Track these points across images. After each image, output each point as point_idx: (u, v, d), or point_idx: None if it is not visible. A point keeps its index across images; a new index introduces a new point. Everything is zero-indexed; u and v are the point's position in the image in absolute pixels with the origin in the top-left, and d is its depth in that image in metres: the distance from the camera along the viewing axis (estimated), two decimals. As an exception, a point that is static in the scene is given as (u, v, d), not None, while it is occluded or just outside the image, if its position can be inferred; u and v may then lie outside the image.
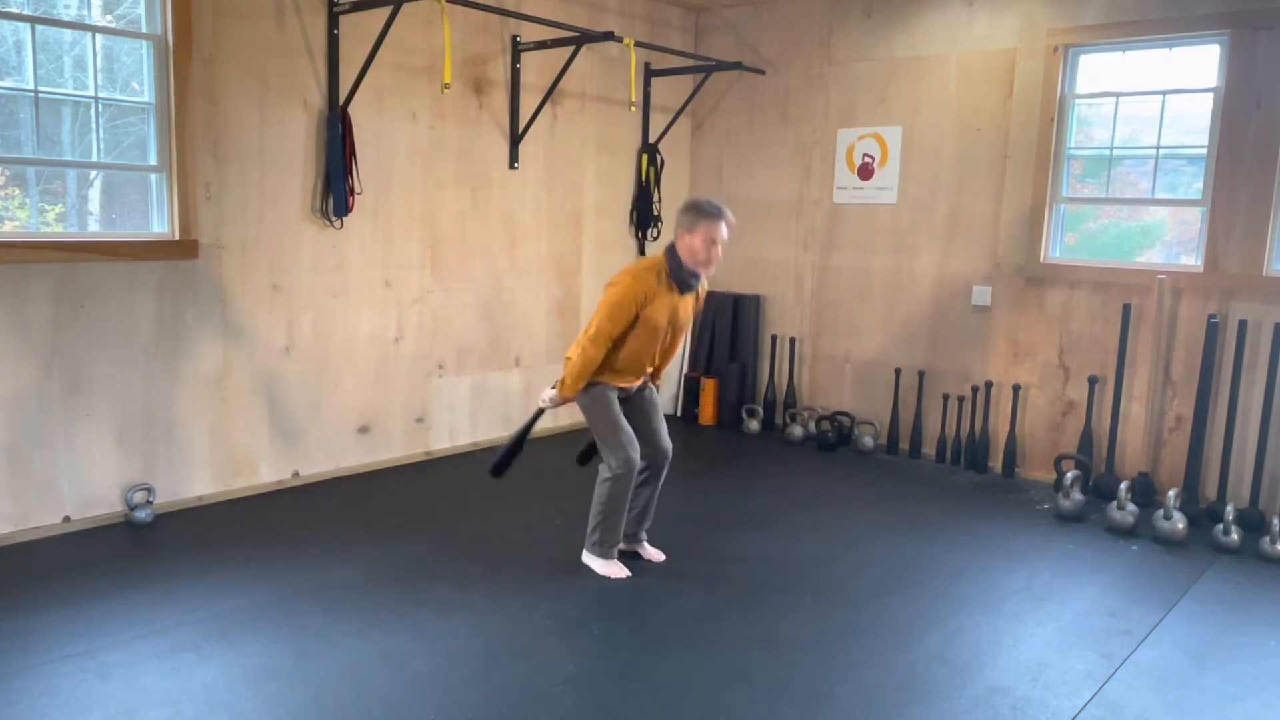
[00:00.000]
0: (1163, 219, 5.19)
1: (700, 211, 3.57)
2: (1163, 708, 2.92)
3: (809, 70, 6.15)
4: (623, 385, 3.75)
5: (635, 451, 3.69)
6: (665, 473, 3.91)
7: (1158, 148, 4.99)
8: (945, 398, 5.66)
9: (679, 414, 6.70)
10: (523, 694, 2.86)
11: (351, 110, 4.68)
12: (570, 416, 6.12)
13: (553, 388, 3.72)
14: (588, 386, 3.68)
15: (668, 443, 3.88)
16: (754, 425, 6.27)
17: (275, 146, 4.52)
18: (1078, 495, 4.71)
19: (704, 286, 3.84)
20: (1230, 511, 4.32)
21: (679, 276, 3.62)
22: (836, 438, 5.92)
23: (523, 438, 3.87)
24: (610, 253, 6.27)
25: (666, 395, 6.71)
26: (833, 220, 6.13)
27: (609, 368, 3.68)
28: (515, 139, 5.55)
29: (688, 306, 3.76)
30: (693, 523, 4.44)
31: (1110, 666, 3.17)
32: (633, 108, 6.09)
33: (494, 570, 3.78)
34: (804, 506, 4.78)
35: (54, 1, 3.95)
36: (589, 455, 3.97)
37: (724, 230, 3.58)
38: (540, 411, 3.81)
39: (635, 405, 3.82)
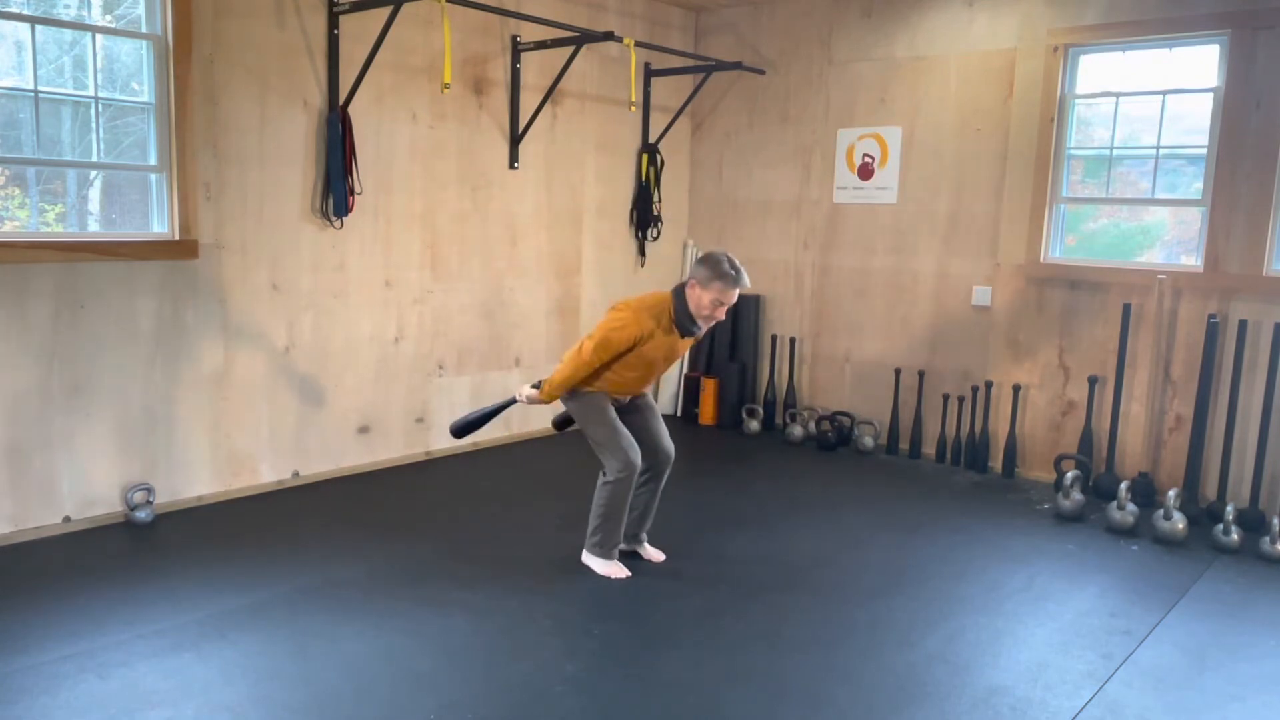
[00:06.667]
0: (1163, 219, 5.19)
1: (719, 272, 3.48)
2: (1163, 708, 2.92)
3: (809, 70, 6.15)
4: (616, 396, 3.76)
5: (636, 454, 3.68)
6: (667, 475, 3.91)
7: (1158, 148, 4.99)
8: (945, 398, 5.66)
9: (679, 414, 6.69)
10: (523, 694, 2.86)
11: (351, 110, 4.68)
12: (570, 416, 6.12)
13: (534, 386, 3.73)
14: (580, 393, 3.69)
15: (669, 444, 3.87)
16: (754, 425, 6.27)
17: (275, 146, 4.52)
18: (1078, 495, 4.71)
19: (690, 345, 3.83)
20: (1230, 511, 4.32)
21: (681, 323, 3.59)
22: (836, 438, 5.92)
23: (490, 416, 3.87)
24: (610, 253, 6.27)
25: (666, 395, 6.71)
26: (833, 220, 6.13)
27: (601, 382, 3.69)
28: (515, 139, 5.55)
29: (685, 345, 3.74)
30: (693, 523, 4.44)
31: (1110, 666, 3.17)
32: (633, 108, 6.09)
33: (494, 570, 3.78)
34: (804, 506, 4.78)
35: (54, 1, 3.95)
36: (566, 423, 3.92)
37: (735, 295, 3.54)
38: (513, 401, 3.83)
39: (634, 408, 3.82)
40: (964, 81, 5.52)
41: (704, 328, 3.65)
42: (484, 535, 4.20)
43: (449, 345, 5.41)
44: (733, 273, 3.49)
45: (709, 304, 3.52)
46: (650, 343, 3.57)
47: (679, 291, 3.59)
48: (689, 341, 3.74)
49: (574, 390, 3.70)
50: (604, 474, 3.71)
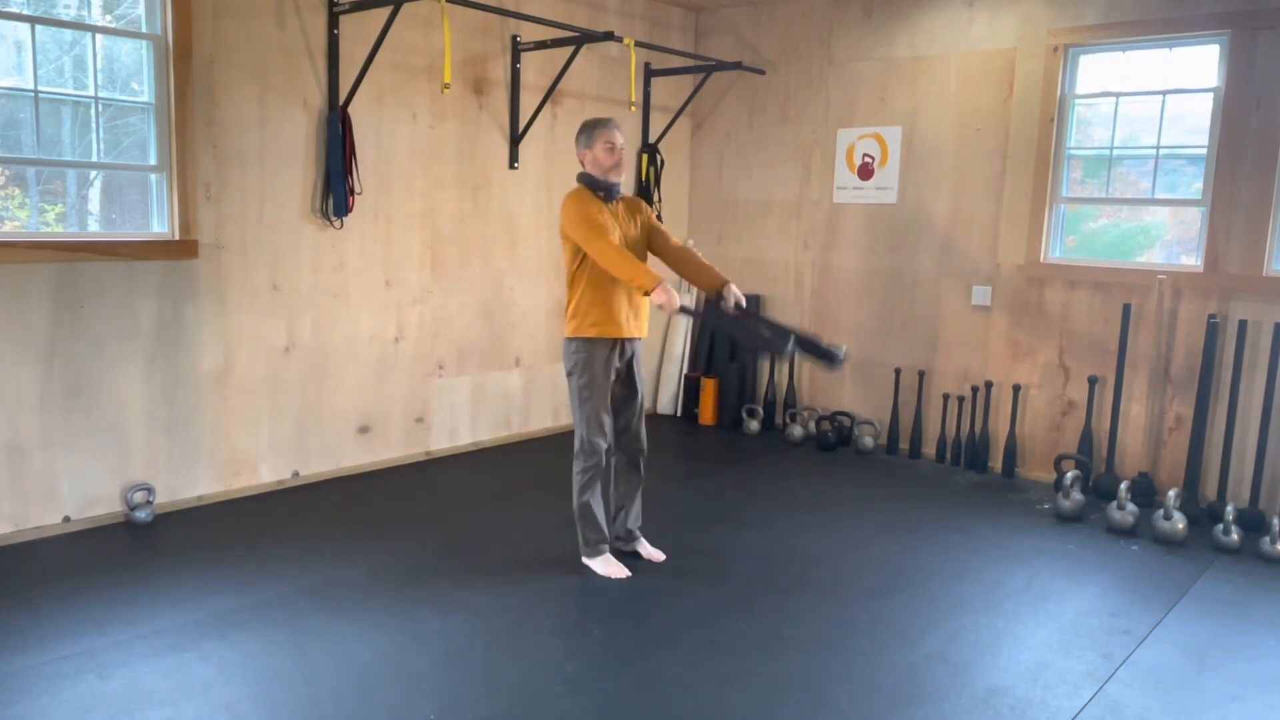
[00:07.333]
0: (1163, 219, 5.19)
1: (589, 127, 3.75)
2: (1163, 708, 2.92)
3: (809, 70, 6.15)
4: (619, 333, 3.70)
5: (606, 443, 3.74)
6: (643, 465, 3.94)
7: (1158, 148, 4.99)
8: (945, 398, 5.66)
9: (679, 414, 6.69)
10: (523, 694, 2.86)
11: (351, 110, 4.68)
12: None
13: (645, 295, 3.61)
14: (587, 344, 3.67)
15: (643, 434, 3.91)
16: (754, 425, 6.27)
17: (275, 146, 4.52)
18: (1078, 495, 4.71)
19: (642, 204, 3.91)
20: (1230, 511, 4.32)
21: (600, 188, 3.73)
22: (836, 438, 5.92)
23: (814, 343, 3.80)
24: (610, 253, 6.27)
25: (666, 395, 6.70)
26: (833, 220, 6.13)
27: (605, 302, 3.66)
28: (515, 139, 5.55)
29: (629, 221, 3.79)
30: (693, 523, 4.44)
31: (1110, 666, 3.17)
32: (632, 108, 6.09)
33: (494, 570, 3.79)
34: (804, 506, 4.78)
35: (54, 1, 3.95)
36: (819, 351, 3.80)
37: (617, 135, 3.74)
38: (693, 309, 3.80)
39: (620, 394, 3.83)
40: (964, 81, 5.52)
41: (618, 181, 3.76)
42: (484, 535, 4.20)
43: (449, 345, 5.41)
44: (600, 119, 3.78)
45: (604, 154, 3.71)
46: (601, 214, 3.68)
47: (581, 175, 3.77)
48: (622, 210, 3.78)
49: (581, 342, 3.68)
50: (575, 464, 3.76)
